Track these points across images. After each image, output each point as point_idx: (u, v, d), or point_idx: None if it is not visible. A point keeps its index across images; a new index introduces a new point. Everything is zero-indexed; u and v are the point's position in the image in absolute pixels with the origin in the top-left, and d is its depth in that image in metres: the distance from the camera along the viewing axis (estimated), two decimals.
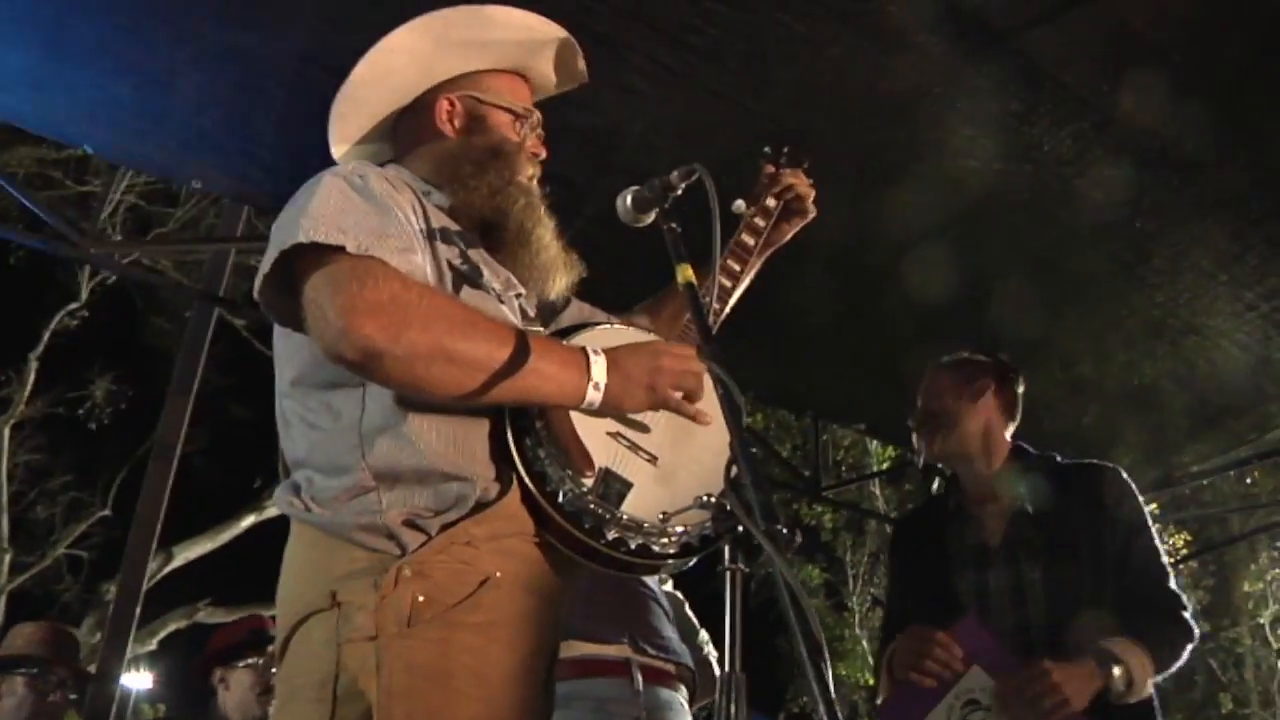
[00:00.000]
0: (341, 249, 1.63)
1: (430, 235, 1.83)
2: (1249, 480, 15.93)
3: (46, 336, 14.68)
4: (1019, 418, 3.02)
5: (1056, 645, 2.59)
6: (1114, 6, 3.35)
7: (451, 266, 1.83)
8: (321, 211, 1.68)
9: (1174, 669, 2.61)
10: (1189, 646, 2.64)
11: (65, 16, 3.46)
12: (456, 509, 1.66)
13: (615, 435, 1.76)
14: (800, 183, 2.23)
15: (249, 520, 13.64)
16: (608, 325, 1.95)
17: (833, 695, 1.12)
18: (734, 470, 1.37)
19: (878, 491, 18.56)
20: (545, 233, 2.01)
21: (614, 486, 1.71)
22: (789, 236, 2.30)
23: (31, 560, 15.07)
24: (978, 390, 2.95)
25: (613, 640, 2.93)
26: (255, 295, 1.74)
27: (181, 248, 13.77)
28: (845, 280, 4.84)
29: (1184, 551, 18.39)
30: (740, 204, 2.17)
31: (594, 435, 1.74)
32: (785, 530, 1.26)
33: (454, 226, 1.92)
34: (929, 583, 2.91)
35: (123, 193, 13.40)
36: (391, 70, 2.05)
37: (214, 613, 13.39)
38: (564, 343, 1.79)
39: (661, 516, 1.55)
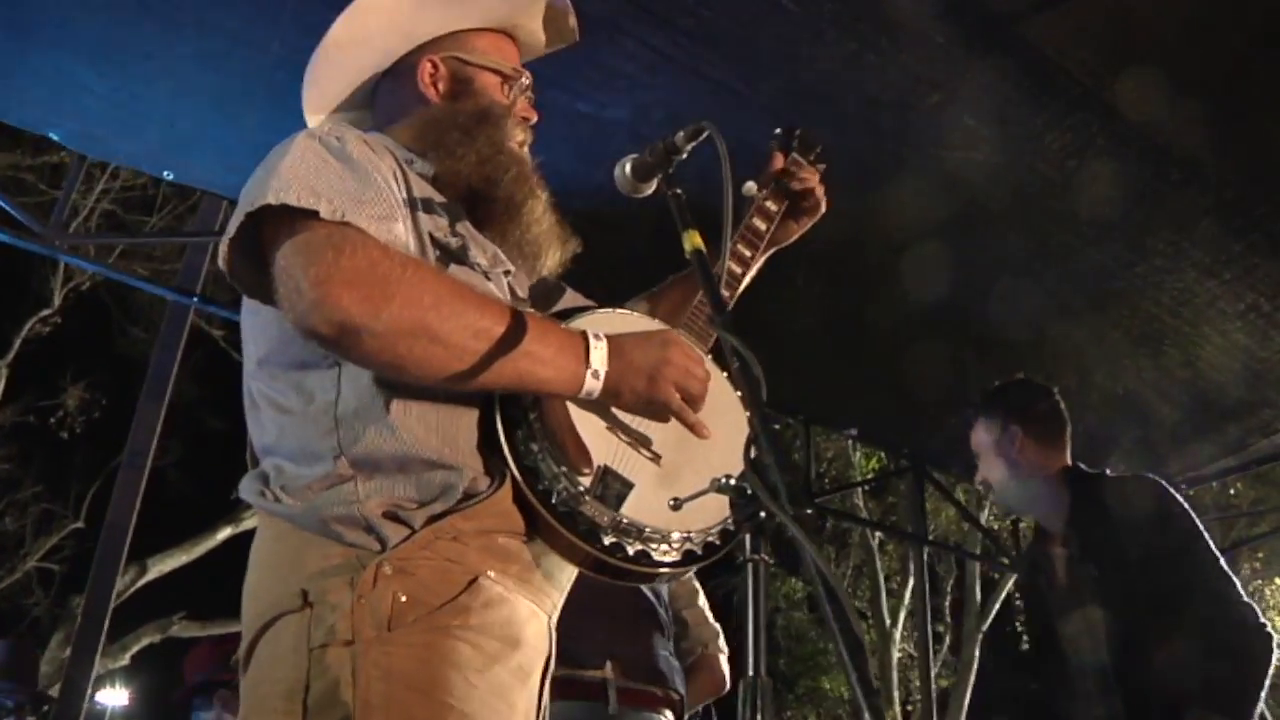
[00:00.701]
0: (315, 214, 1.48)
1: (412, 205, 1.68)
2: (1231, 491, 15.92)
3: (17, 343, 14.40)
4: (1063, 431, 2.95)
5: (1134, 690, 2.53)
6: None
7: (434, 240, 1.68)
8: (293, 173, 1.53)
9: (1264, 690, 2.48)
10: (1271, 659, 2.49)
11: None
12: (442, 500, 1.51)
13: (615, 430, 1.61)
14: (812, 177, 2.04)
15: (225, 533, 13.44)
16: (610, 311, 1.80)
17: (876, 694, 0.97)
18: (754, 450, 1.23)
19: (861, 504, 18.45)
20: (537, 205, 1.87)
21: (613, 487, 1.55)
22: (796, 236, 2.11)
23: (0, 574, 14.75)
24: (1003, 441, 2.91)
25: (591, 663, 2.82)
26: (220, 262, 1.58)
27: (157, 240, 13.53)
28: (836, 281, 4.76)
29: None
30: (751, 186, 2.01)
31: (592, 429, 1.58)
32: (815, 515, 1.11)
33: (438, 197, 1.77)
34: (1037, 626, 2.94)
35: (96, 199, 13.21)
36: (370, 31, 1.91)
37: (189, 626, 13.17)
38: (562, 325, 1.64)
39: (672, 502, 1.38)
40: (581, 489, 1.52)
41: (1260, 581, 19.61)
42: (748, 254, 1.99)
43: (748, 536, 1.20)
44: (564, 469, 1.53)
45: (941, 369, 5.48)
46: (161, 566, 13.08)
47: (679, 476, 1.62)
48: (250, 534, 1.66)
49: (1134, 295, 4.97)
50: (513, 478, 1.54)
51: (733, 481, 1.22)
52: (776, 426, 1.49)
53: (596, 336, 1.58)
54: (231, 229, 1.54)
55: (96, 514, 14.36)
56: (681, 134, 1.66)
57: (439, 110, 1.87)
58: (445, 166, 1.81)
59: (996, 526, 11.92)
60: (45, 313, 14.60)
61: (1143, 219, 4.43)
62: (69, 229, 4.24)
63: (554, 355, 1.54)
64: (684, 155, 1.68)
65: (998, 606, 18.06)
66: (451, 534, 1.50)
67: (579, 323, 1.66)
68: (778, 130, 2.09)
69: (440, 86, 1.90)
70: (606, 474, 1.55)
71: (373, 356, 1.47)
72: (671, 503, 1.40)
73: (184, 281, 4.95)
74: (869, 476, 16.12)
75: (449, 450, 1.54)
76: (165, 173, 4.07)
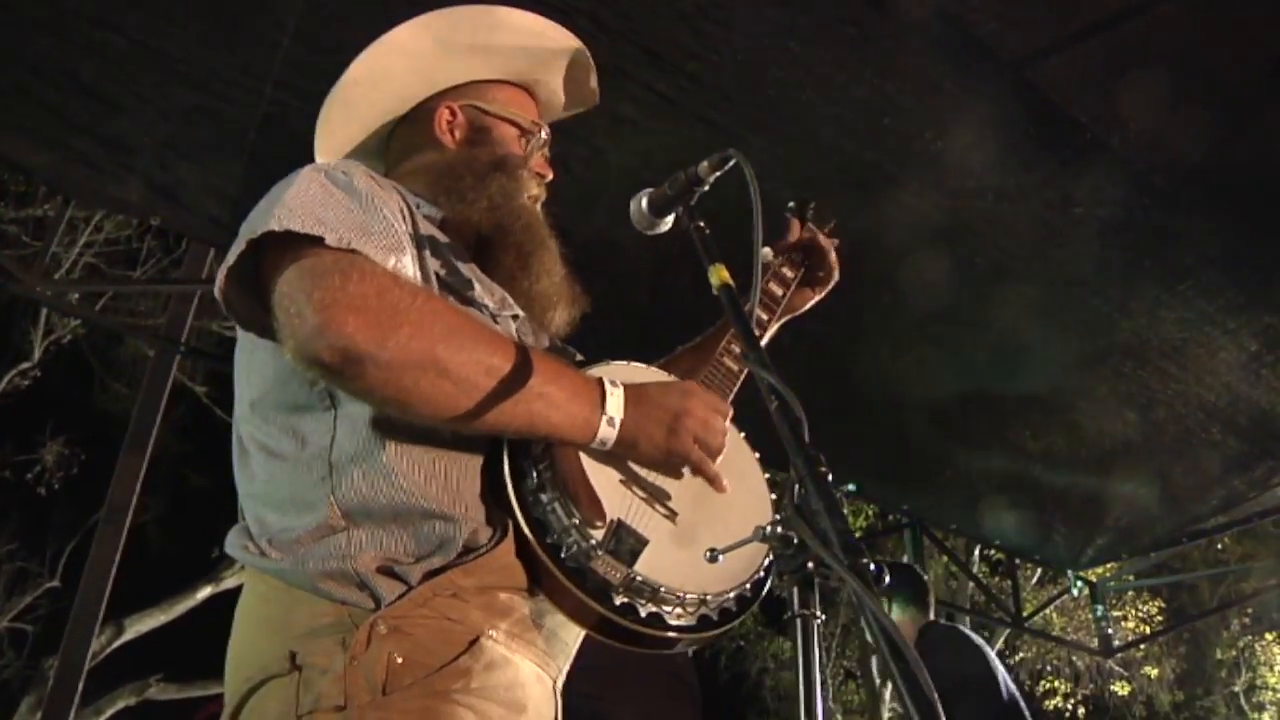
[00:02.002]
0: (320, 240, 1.40)
1: (419, 243, 1.61)
2: (1219, 546, 15.88)
3: None
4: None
5: None
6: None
7: (439, 277, 1.61)
8: (298, 201, 1.46)
9: None
10: None
11: (21, 35, 3.24)
12: (441, 554, 1.42)
13: (629, 484, 1.52)
14: (829, 249, 2.06)
15: (205, 592, 13.16)
16: (625, 363, 1.71)
17: None
18: (798, 493, 1.13)
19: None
20: (548, 256, 1.82)
21: (626, 542, 1.44)
22: (810, 304, 2.12)
23: None
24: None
25: None
26: (216, 292, 1.50)
27: (142, 286, 13.40)
28: (825, 338, 4.70)
29: (1158, 619, 18.32)
30: (767, 252, 1.99)
31: (606, 481, 1.49)
32: (873, 565, 1.01)
33: (444, 239, 1.70)
34: None
35: (79, 251, 13.11)
36: (390, 73, 1.88)
37: (166, 689, 12.84)
38: (568, 363, 1.57)
39: (709, 554, 1.27)
40: (593, 543, 1.42)
41: (1250, 637, 19.50)
42: (764, 318, 1.97)
43: (795, 589, 1.10)
44: (575, 521, 1.43)
45: (934, 425, 5.42)
46: (139, 626, 12.79)
47: (695, 535, 1.52)
48: (232, 593, 1.55)
49: (1133, 346, 4.92)
50: (518, 530, 1.44)
51: (779, 530, 1.12)
52: (823, 469, 1.45)
53: (613, 383, 1.51)
54: (231, 256, 1.46)
55: (72, 573, 14.06)
56: (705, 164, 1.58)
57: (454, 156, 1.84)
58: (456, 212, 1.76)
59: (986, 582, 11.81)
60: (24, 366, 14.40)
61: (1145, 266, 4.40)
62: (52, 276, 4.14)
63: (567, 399, 1.46)
64: (707, 186, 1.60)
65: None
66: (450, 590, 1.40)
67: (593, 371, 1.59)
68: (792, 203, 2.11)
69: (457, 134, 1.87)
70: (620, 528, 1.45)
71: (377, 389, 1.38)
72: (708, 555, 1.29)
73: (169, 331, 4.85)
74: (859, 533, 15.99)
75: (449, 499, 1.45)
76: (154, 219, 3.98)
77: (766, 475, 1.71)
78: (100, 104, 3.63)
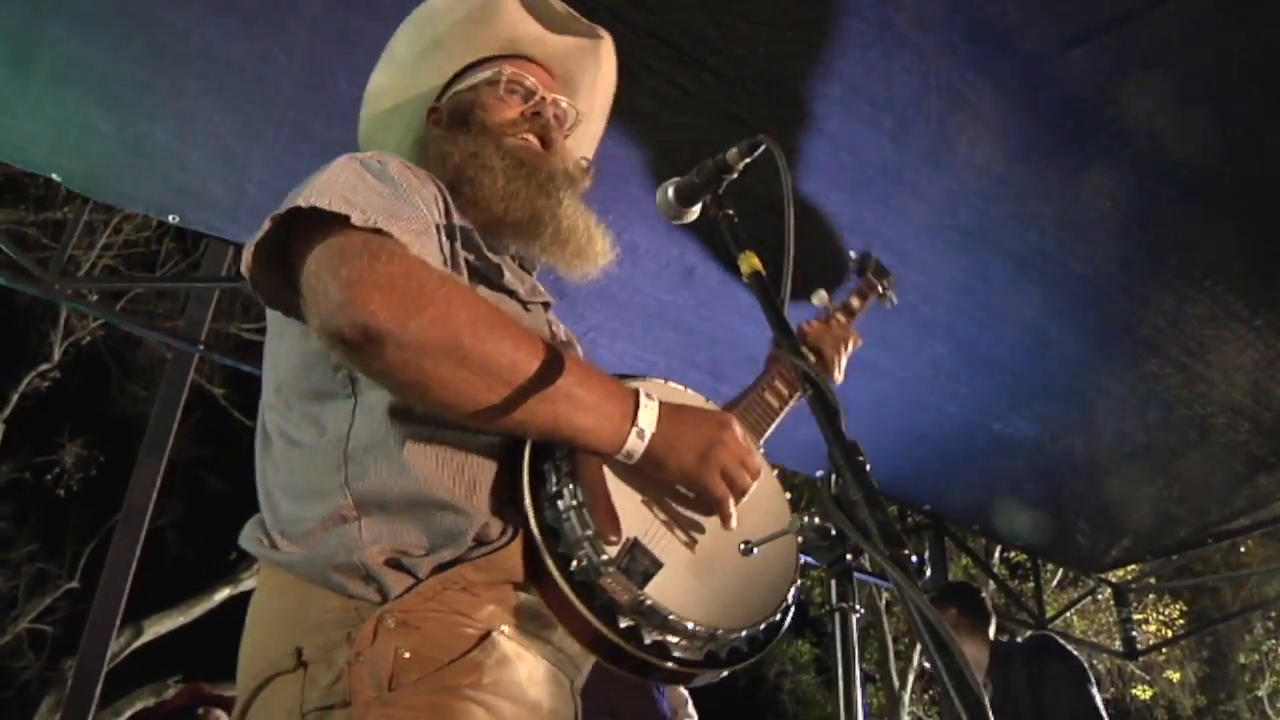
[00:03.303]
0: (347, 219, 1.38)
1: (450, 231, 1.59)
2: (1242, 549, 15.74)
3: (15, 398, 14.26)
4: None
5: None
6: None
7: (469, 264, 1.59)
8: (329, 183, 1.45)
9: None
10: None
11: (40, 32, 3.22)
12: (451, 547, 1.38)
13: (651, 504, 1.46)
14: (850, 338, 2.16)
15: (223, 594, 13.20)
16: (663, 381, 1.65)
17: None
18: (836, 484, 1.09)
19: (868, 564, 18.18)
20: (557, 205, 1.76)
21: (640, 562, 1.38)
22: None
23: None
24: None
25: None
26: (243, 268, 1.48)
27: (162, 284, 13.44)
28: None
29: (1180, 622, 18.15)
30: (823, 294, 2.03)
31: (627, 497, 1.44)
32: (915, 556, 0.97)
33: (474, 226, 1.68)
34: None
35: (98, 254, 13.18)
36: (389, 121, 1.94)
37: None
38: (603, 371, 1.50)
39: (742, 546, 1.22)
40: (605, 558, 1.36)
41: (1274, 642, 19.29)
42: (811, 358, 1.95)
43: (834, 582, 1.06)
44: (589, 533, 1.37)
45: (958, 424, 5.36)
46: (157, 628, 12.84)
47: (713, 566, 1.46)
48: (249, 595, 1.52)
49: (1157, 344, 4.85)
50: (529, 535, 1.39)
51: (816, 521, 1.08)
52: (861, 458, 1.43)
53: (648, 395, 1.46)
54: (258, 233, 1.44)
55: (92, 574, 14.12)
56: (735, 150, 1.54)
57: (440, 136, 1.85)
58: (469, 195, 1.73)
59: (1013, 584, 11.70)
60: (44, 367, 14.48)
61: (1170, 263, 4.34)
62: (74, 274, 4.14)
63: (597, 402, 1.42)
64: (736, 174, 1.56)
65: None
66: (461, 584, 1.36)
67: (632, 384, 1.53)
68: (852, 252, 2.22)
69: (443, 122, 1.88)
70: (635, 548, 1.39)
71: (395, 371, 1.34)
72: (742, 547, 1.24)
73: (187, 331, 4.84)
74: None
75: (462, 492, 1.42)
76: (170, 217, 3.96)
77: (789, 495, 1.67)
78: (119, 102, 3.62)
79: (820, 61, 3.28)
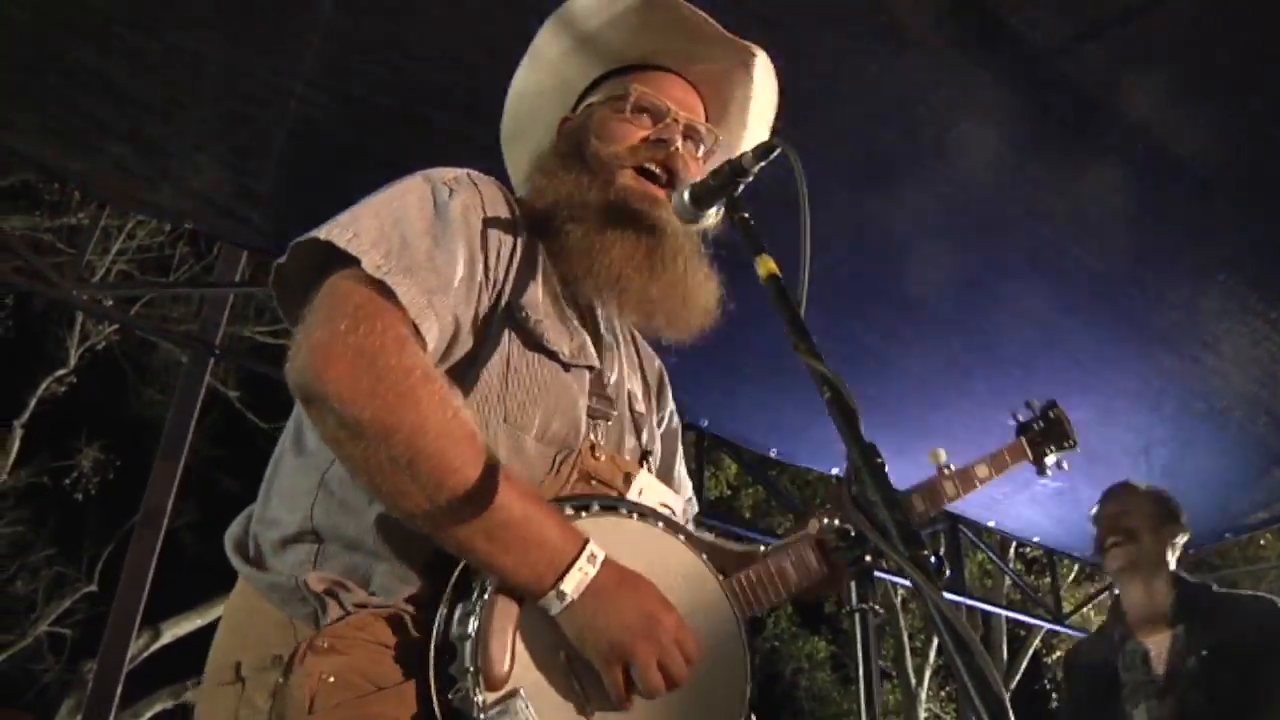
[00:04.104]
0: (357, 262, 1.38)
1: (502, 277, 1.55)
2: (1261, 542, 15.64)
3: (32, 403, 14.34)
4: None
5: None
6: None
7: (513, 314, 1.54)
8: (376, 210, 1.45)
9: None
10: None
11: (48, 36, 3.25)
12: (387, 599, 1.37)
13: (565, 659, 1.38)
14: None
15: None
16: (646, 524, 1.54)
17: None
18: (855, 488, 1.09)
19: (883, 562, 18.12)
20: (647, 271, 1.63)
21: (515, 717, 1.30)
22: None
23: (11, 639, 14.52)
24: (1171, 530, 3.28)
25: None
26: (270, 282, 1.50)
27: (177, 289, 13.51)
28: (858, 331, 4.67)
29: None
30: (940, 454, 1.99)
31: (537, 644, 1.37)
32: (933, 556, 0.98)
33: (548, 268, 1.63)
34: (1104, 714, 3.13)
35: (113, 259, 13.24)
36: (527, 127, 1.89)
37: None
38: (561, 518, 1.42)
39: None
40: (478, 701, 1.29)
41: None
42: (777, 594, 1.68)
43: (853, 583, 1.06)
44: (474, 668, 1.30)
45: (974, 418, 5.35)
46: (175, 630, 12.90)
47: None
48: None
49: (1171, 338, 4.83)
50: (426, 647, 1.35)
51: (836, 523, 1.08)
52: (880, 460, 1.37)
53: (593, 556, 1.38)
54: (283, 257, 1.46)
55: (109, 577, 14.19)
56: (749, 154, 1.51)
57: (549, 173, 1.74)
58: (558, 243, 1.65)
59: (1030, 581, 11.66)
60: (61, 373, 14.56)
61: (1183, 257, 4.32)
62: (90, 279, 4.18)
63: (524, 548, 1.35)
64: (751, 177, 1.54)
65: (1025, 664, 17.70)
66: (394, 624, 1.35)
67: (593, 524, 1.45)
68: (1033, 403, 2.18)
69: (564, 140, 1.80)
70: (512, 701, 1.30)
71: (337, 444, 1.34)
72: None
73: (202, 335, 4.87)
74: None
75: (410, 559, 1.39)
76: (187, 223, 3.99)
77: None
78: (133, 109, 3.64)
79: (829, 58, 3.29)
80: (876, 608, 1.06)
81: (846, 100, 3.54)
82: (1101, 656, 3.28)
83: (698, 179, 1.60)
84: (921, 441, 5.66)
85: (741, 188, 1.55)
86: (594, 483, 1.56)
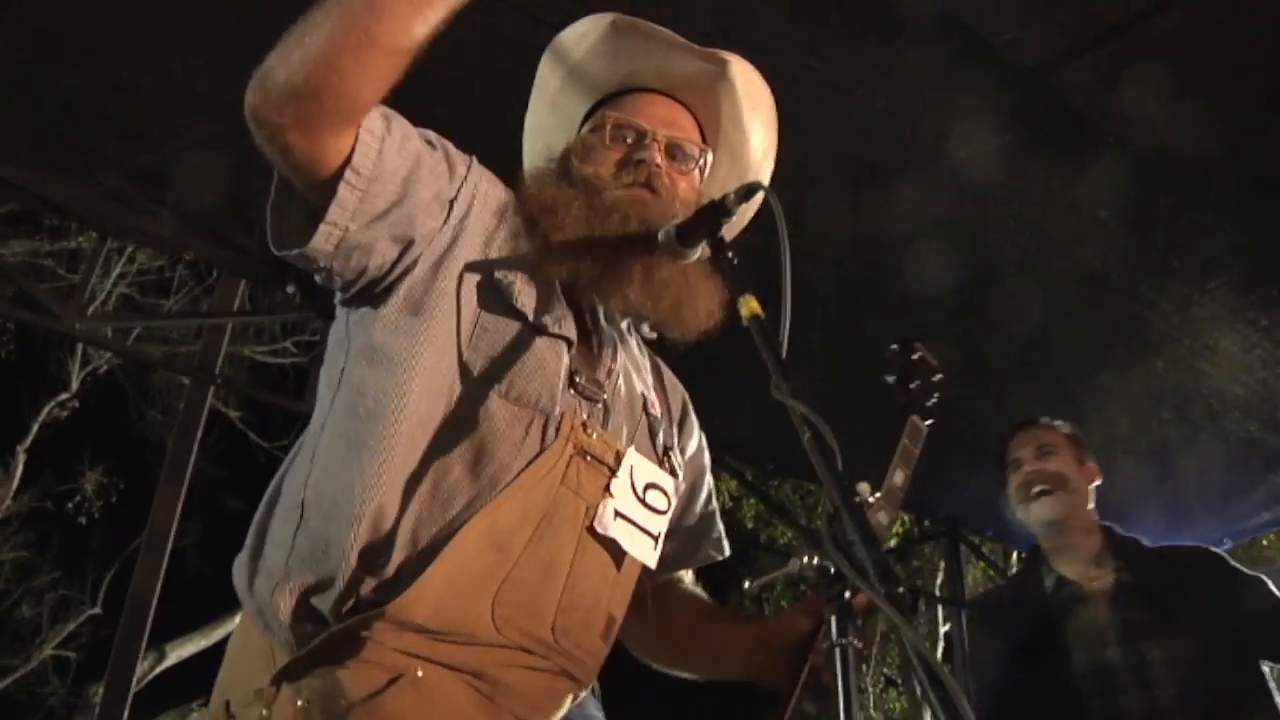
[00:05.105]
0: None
1: (493, 244, 1.57)
2: (1264, 543, 15.65)
3: (35, 428, 14.38)
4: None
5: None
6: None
7: (490, 279, 1.52)
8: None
9: None
10: None
11: (45, 69, 3.30)
12: (357, 608, 1.32)
13: None
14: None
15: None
16: None
17: None
18: (834, 526, 1.13)
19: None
20: (637, 263, 1.61)
21: None
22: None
23: (15, 663, 14.52)
24: (1091, 471, 2.97)
25: None
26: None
27: (175, 321, 13.57)
28: (851, 345, 4.71)
29: None
30: (864, 487, 1.87)
31: None
32: (908, 594, 1.01)
33: (527, 247, 1.61)
34: (1040, 663, 2.78)
35: (114, 282, 13.29)
36: (546, 150, 1.85)
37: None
38: None
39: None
40: None
41: None
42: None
43: (833, 619, 1.10)
44: None
45: (967, 426, 5.38)
46: (180, 651, 12.88)
47: None
48: None
49: (1165, 345, 4.88)
50: None
51: (815, 561, 1.12)
52: (858, 499, 1.35)
53: None
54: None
55: (114, 599, 14.21)
56: (732, 195, 1.53)
57: (536, 181, 1.73)
58: (539, 232, 1.63)
59: None
60: (63, 397, 14.60)
61: (1174, 265, 4.37)
62: (87, 311, 4.19)
63: None
64: (734, 216, 1.56)
65: None
66: (367, 630, 1.30)
67: None
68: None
69: (557, 164, 1.79)
70: None
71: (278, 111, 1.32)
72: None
73: (202, 362, 4.91)
74: (891, 543, 15.91)
75: (384, 547, 1.34)
76: (186, 254, 4.05)
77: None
78: (130, 140, 3.70)
79: (818, 81, 3.34)
80: (856, 642, 1.10)
81: (848, 122, 3.58)
82: (1027, 600, 2.93)
83: (680, 219, 1.61)
84: (926, 454, 5.73)
85: (722, 227, 1.57)
86: (588, 458, 1.50)
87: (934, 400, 1.91)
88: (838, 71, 3.34)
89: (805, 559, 1.15)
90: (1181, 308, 4.60)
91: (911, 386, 1.92)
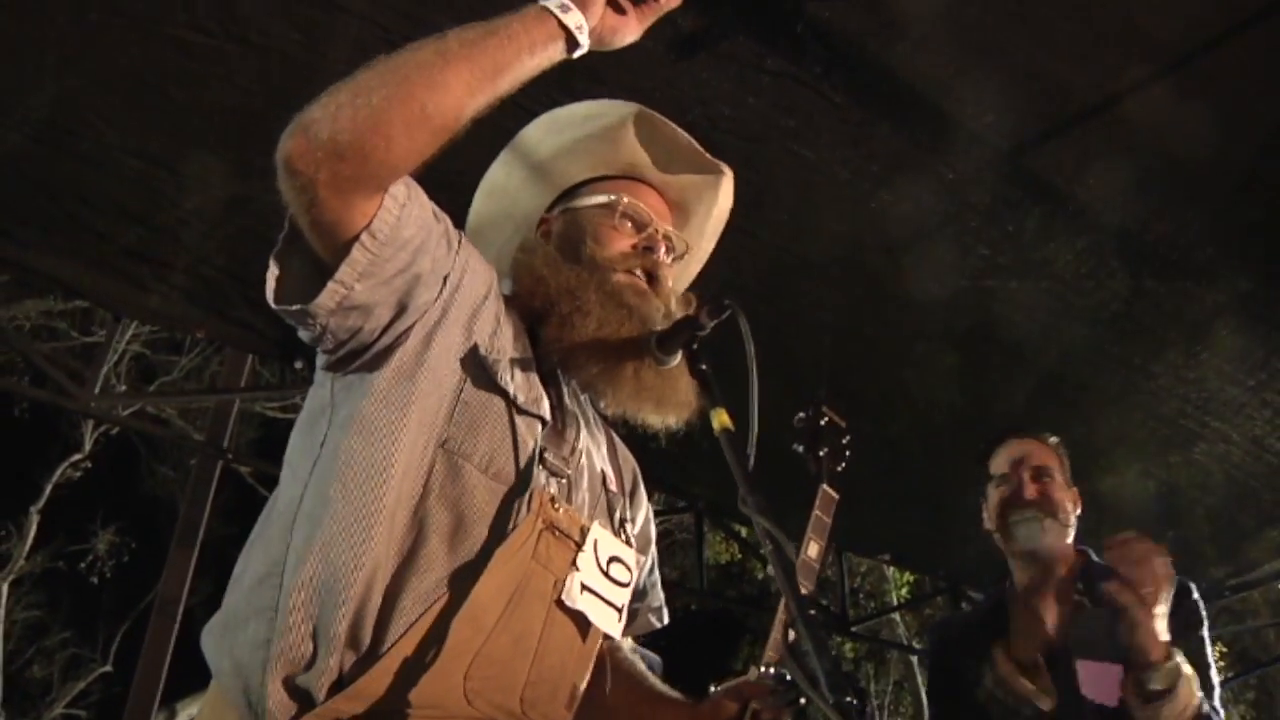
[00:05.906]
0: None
1: (477, 321, 1.58)
2: None
3: (48, 489, 14.48)
4: None
5: None
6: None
7: (476, 355, 1.54)
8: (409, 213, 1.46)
9: None
10: None
11: (58, 161, 3.43)
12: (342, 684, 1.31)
13: None
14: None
15: None
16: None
17: None
18: (791, 635, 1.23)
19: (898, 618, 18.06)
20: (640, 366, 1.66)
21: None
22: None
23: None
24: (1075, 493, 2.76)
25: None
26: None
27: (184, 398, 13.72)
28: (856, 405, 4.78)
29: (1222, 665, 17.83)
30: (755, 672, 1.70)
31: None
32: (856, 702, 1.10)
33: (514, 323, 1.66)
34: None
35: (128, 342, 13.44)
36: (504, 218, 1.91)
37: None
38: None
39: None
40: None
41: None
42: None
43: None
44: None
45: (970, 485, 5.43)
46: (190, 710, 12.83)
47: None
48: None
49: (1159, 402, 4.94)
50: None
51: (772, 670, 1.21)
52: (814, 613, 1.40)
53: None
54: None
55: (124, 657, 14.22)
56: (705, 311, 1.60)
57: (545, 264, 1.74)
58: (558, 331, 1.67)
59: None
60: (76, 458, 14.71)
61: (1162, 330, 4.44)
62: (100, 374, 4.31)
63: (506, 26, 1.41)
64: (706, 330, 1.61)
65: None
66: (346, 705, 1.28)
67: None
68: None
69: (553, 236, 1.83)
70: None
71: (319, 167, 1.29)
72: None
73: (212, 436, 5.03)
74: (904, 597, 15.85)
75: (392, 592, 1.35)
76: (197, 333, 4.17)
77: None
78: (140, 226, 3.82)
79: (804, 167, 3.47)
80: None
81: (832, 208, 3.70)
82: (990, 630, 2.69)
83: (661, 330, 1.70)
84: (922, 513, 5.76)
85: (697, 340, 1.66)
86: (557, 533, 1.52)
87: (843, 465, 1.90)
88: (821, 159, 3.46)
89: (763, 668, 1.23)
90: (1175, 373, 4.66)
91: (821, 454, 1.90)
